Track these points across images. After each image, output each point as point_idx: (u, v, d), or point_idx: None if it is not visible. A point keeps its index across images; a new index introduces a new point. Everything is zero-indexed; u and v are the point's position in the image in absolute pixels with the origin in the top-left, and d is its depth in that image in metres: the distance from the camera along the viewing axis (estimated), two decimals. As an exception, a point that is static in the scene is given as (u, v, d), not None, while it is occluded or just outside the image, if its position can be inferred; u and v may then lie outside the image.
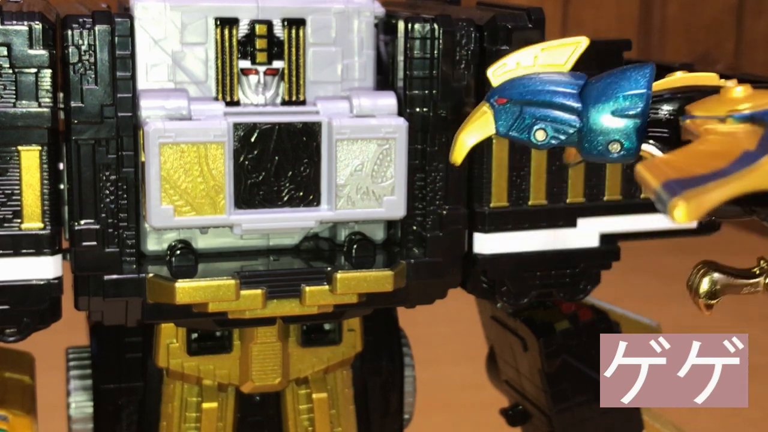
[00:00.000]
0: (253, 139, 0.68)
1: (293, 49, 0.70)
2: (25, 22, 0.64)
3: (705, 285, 0.56)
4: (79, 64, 0.66)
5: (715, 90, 0.57)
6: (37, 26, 0.64)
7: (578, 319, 0.86)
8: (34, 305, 0.67)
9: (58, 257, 0.68)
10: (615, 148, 0.57)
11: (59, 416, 0.81)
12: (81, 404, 0.79)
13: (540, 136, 0.58)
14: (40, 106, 0.65)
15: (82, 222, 0.67)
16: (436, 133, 0.72)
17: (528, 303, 0.77)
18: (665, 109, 0.58)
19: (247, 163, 0.68)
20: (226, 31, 0.69)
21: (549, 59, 0.59)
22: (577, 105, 0.58)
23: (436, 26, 0.70)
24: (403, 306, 0.75)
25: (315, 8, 0.70)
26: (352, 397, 0.81)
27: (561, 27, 2.68)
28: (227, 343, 0.76)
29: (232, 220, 0.68)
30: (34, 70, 0.65)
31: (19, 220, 0.66)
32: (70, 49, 0.65)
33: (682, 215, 0.44)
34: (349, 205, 0.70)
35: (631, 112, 0.57)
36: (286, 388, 0.79)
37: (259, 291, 0.68)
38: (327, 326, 0.78)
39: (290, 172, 0.69)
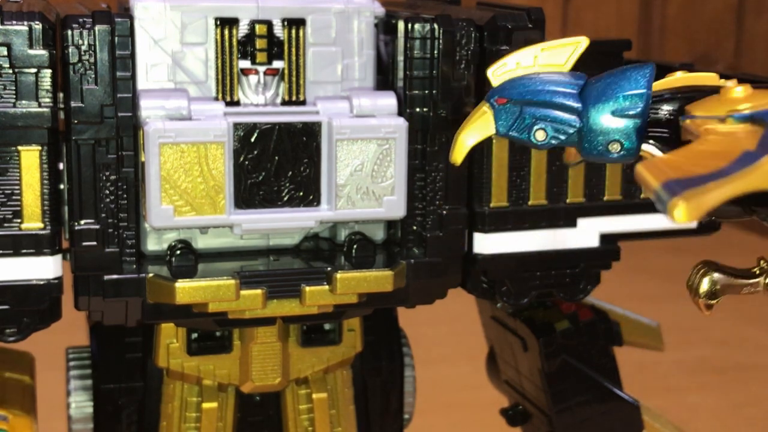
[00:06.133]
0: (253, 139, 0.68)
1: (293, 49, 0.70)
2: (25, 22, 0.64)
3: (705, 285, 0.56)
4: (79, 64, 0.66)
5: (715, 90, 0.57)
6: (37, 26, 0.64)
7: (578, 319, 0.86)
8: (34, 305, 0.67)
9: (58, 257, 0.68)
10: (615, 148, 0.57)
11: (59, 416, 0.81)
12: (81, 404, 0.79)
13: (540, 136, 0.58)
14: (40, 106, 0.65)
15: (82, 222, 0.67)
16: (436, 133, 0.72)
17: (528, 303, 0.77)
18: (665, 109, 0.58)
19: (247, 163, 0.68)
20: (226, 31, 0.69)
21: (549, 59, 0.59)
22: (577, 105, 0.58)
23: (436, 26, 0.70)
24: (403, 306, 0.75)
25: (315, 8, 0.70)
26: (352, 397, 0.81)
27: (561, 27, 2.68)
28: (227, 343, 0.76)
29: (232, 220, 0.68)
30: (34, 70, 0.65)
31: (19, 220, 0.66)
32: (70, 49, 0.65)
33: (682, 215, 0.44)
34: (349, 205, 0.70)
35: (631, 112, 0.57)
36: (286, 388, 0.79)
37: (259, 291, 0.68)
38: (327, 326, 0.78)
39: (290, 172, 0.69)
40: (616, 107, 0.57)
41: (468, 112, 0.72)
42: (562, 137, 0.58)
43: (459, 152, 0.59)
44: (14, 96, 0.65)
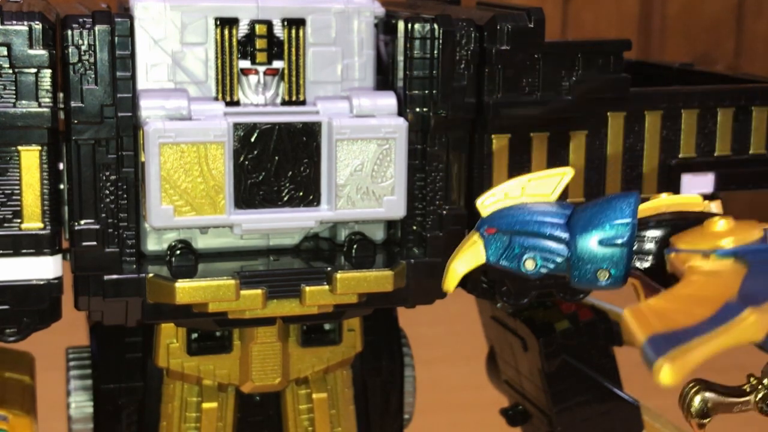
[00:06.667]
0: (253, 139, 0.68)
1: (293, 49, 0.70)
2: (25, 22, 0.64)
3: (696, 404, 0.57)
4: (79, 64, 0.66)
5: (699, 216, 0.59)
6: (37, 26, 0.64)
7: (578, 319, 0.86)
8: (34, 305, 0.67)
9: (58, 257, 0.68)
10: (603, 276, 0.58)
11: (59, 416, 0.81)
12: (81, 404, 0.79)
13: (529, 265, 0.59)
14: (40, 106, 0.65)
15: (82, 222, 0.67)
16: (436, 133, 0.72)
17: (528, 303, 0.77)
18: (651, 238, 0.59)
19: (247, 163, 0.68)
20: (226, 31, 0.69)
21: (536, 189, 0.61)
22: (564, 235, 0.59)
23: (436, 26, 0.70)
24: (403, 306, 0.75)
25: (315, 8, 0.70)
26: (352, 397, 0.81)
27: (561, 27, 2.68)
28: (227, 343, 0.76)
29: (232, 220, 0.68)
30: (34, 70, 0.65)
31: (19, 220, 0.66)
32: (70, 49, 0.65)
33: (667, 378, 0.46)
34: (349, 205, 0.70)
35: (618, 241, 0.58)
36: (286, 388, 0.79)
37: (259, 291, 0.68)
38: (327, 326, 0.78)
39: (290, 172, 0.69)
40: (603, 236, 0.58)
41: (467, 111, 0.72)
42: (551, 266, 0.59)
43: (451, 281, 0.61)
44: (14, 96, 0.65)
